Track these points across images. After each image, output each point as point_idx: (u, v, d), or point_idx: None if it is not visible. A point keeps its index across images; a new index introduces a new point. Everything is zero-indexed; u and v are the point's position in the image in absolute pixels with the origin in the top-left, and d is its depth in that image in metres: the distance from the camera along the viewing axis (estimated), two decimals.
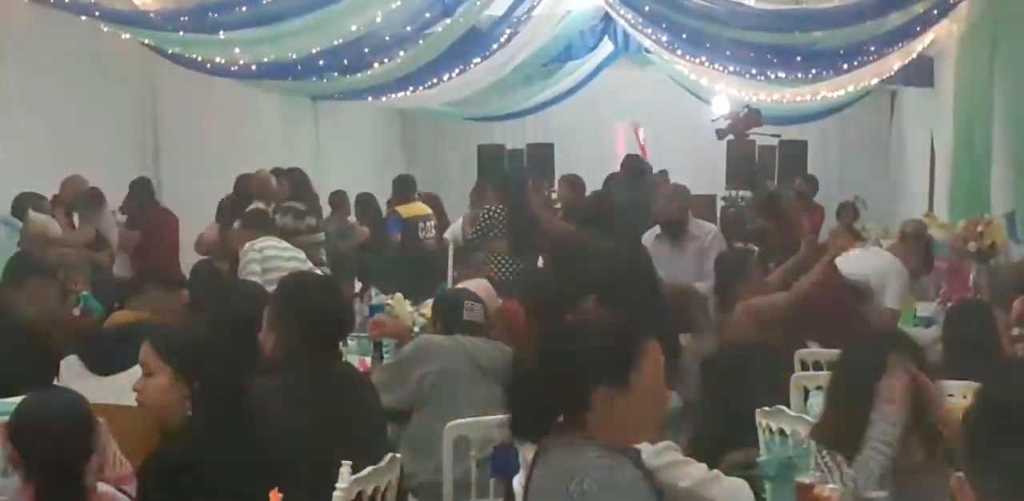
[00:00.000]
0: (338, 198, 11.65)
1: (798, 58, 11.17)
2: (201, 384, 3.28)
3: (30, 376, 4.85)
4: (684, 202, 7.91)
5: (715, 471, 3.17)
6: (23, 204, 7.97)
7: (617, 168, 11.02)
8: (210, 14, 8.55)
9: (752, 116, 13.10)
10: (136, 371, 4.01)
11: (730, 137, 13.46)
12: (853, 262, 6.84)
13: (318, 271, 7.68)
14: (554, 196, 12.30)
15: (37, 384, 4.70)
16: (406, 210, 10.89)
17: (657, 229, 7.80)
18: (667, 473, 2.99)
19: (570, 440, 2.56)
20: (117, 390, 3.76)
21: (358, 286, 8.57)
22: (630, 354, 2.59)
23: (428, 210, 11.09)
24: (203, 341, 3.46)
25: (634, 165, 10.08)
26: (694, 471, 3.11)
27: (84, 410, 3.07)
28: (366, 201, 11.73)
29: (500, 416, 4.18)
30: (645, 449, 2.89)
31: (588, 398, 2.56)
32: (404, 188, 11.23)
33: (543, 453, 2.59)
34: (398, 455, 3.74)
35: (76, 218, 8.99)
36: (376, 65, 10.82)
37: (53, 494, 2.96)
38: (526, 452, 2.95)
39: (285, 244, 7.72)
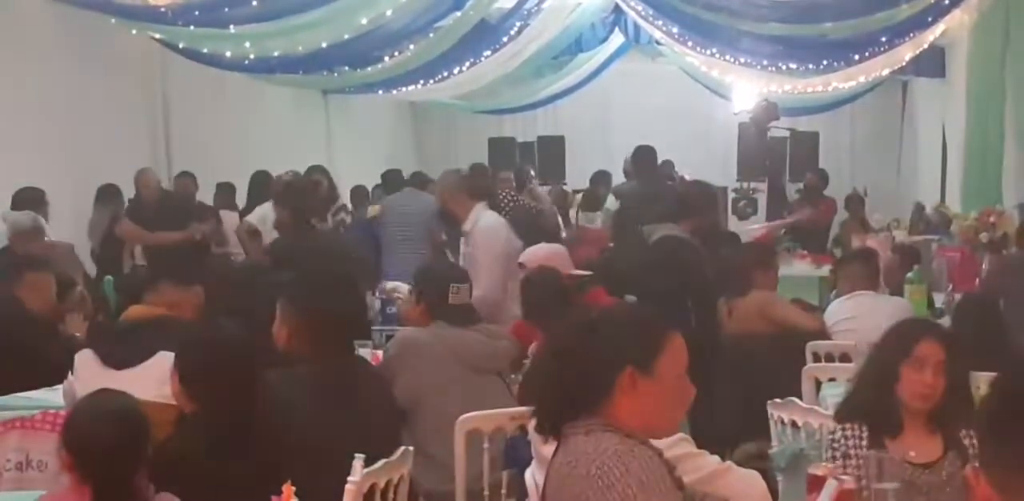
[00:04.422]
0: (359, 193, 11.75)
1: (809, 49, 11.15)
2: (202, 382, 3.31)
3: (43, 369, 4.89)
4: (445, 190, 7.14)
5: (727, 462, 3.17)
6: (24, 199, 8.00)
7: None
8: (222, 9, 8.57)
9: (771, 109, 13.11)
10: (149, 365, 4.04)
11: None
12: (869, 315, 6.28)
13: None
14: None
15: (51, 377, 4.75)
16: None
17: None
18: (681, 465, 2.99)
19: (591, 428, 2.56)
20: (131, 384, 3.77)
21: None
22: (656, 342, 2.60)
23: None
24: (204, 340, 3.48)
25: (644, 157, 9.92)
26: (707, 463, 3.12)
27: (136, 414, 3.05)
28: (362, 195, 11.78)
29: (511, 409, 4.20)
30: (657, 442, 2.90)
31: (612, 383, 2.56)
32: (389, 184, 11.37)
33: (564, 440, 2.60)
34: (410, 448, 3.75)
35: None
36: (386, 59, 10.84)
37: (107, 498, 2.94)
38: (541, 446, 2.96)
39: None
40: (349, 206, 10.70)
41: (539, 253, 6.16)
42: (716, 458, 3.17)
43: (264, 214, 8.94)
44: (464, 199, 6.89)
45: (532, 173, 12.53)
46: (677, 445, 3.06)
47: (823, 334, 6.38)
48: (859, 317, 6.24)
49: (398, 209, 9.39)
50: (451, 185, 7.09)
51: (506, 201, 9.20)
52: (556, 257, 6.07)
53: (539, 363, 2.71)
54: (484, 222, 6.75)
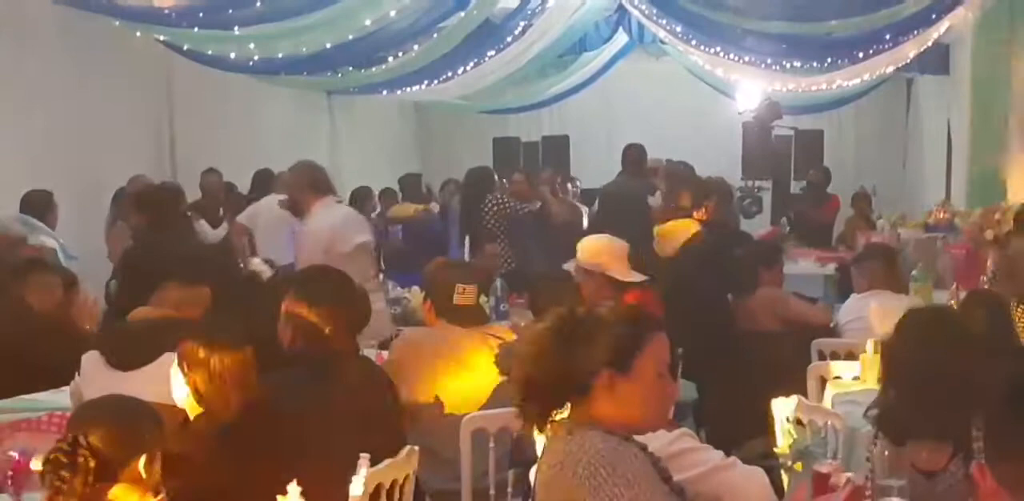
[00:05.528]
0: (363, 193, 11.78)
1: (813, 47, 11.14)
2: (204, 380, 3.32)
3: (49, 371, 4.90)
4: (296, 178, 7.12)
5: (732, 458, 3.17)
6: (33, 201, 8.01)
7: None
8: (226, 10, 8.59)
9: (774, 108, 13.12)
10: (155, 366, 4.04)
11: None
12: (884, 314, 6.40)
13: None
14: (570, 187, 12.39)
15: (57, 379, 4.75)
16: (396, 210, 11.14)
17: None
18: (684, 459, 2.99)
19: (576, 427, 2.58)
20: (138, 385, 3.77)
21: None
22: (635, 340, 2.62)
23: (408, 212, 11.21)
24: (203, 338, 3.48)
25: (629, 155, 9.98)
26: (710, 457, 3.11)
27: (138, 420, 2.97)
28: (363, 196, 11.81)
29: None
30: (662, 436, 2.91)
31: (591, 382, 2.58)
32: (407, 187, 11.47)
33: (550, 441, 2.62)
34: (416, 448, 3.75)
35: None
36: (390, 59, 10.85)
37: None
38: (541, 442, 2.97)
39: None
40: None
41: (588, 242, 5.88)
42: (720, 453, 3.17)
43: (253, 212, 8.96)
44: (308, 192, 6.89)
45: (555, 176, 12.33)
46: (679, 439, 3.07)
47: (834, 328, 6.39)
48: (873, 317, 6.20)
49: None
50: (296, 177, 7.09)
51: (491, 203, 9.34)
52: (605, 252, 5.65)
53: (521, 363, 2.72)
54: (314, 220, 6.77)
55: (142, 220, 7.12)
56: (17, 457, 3.28)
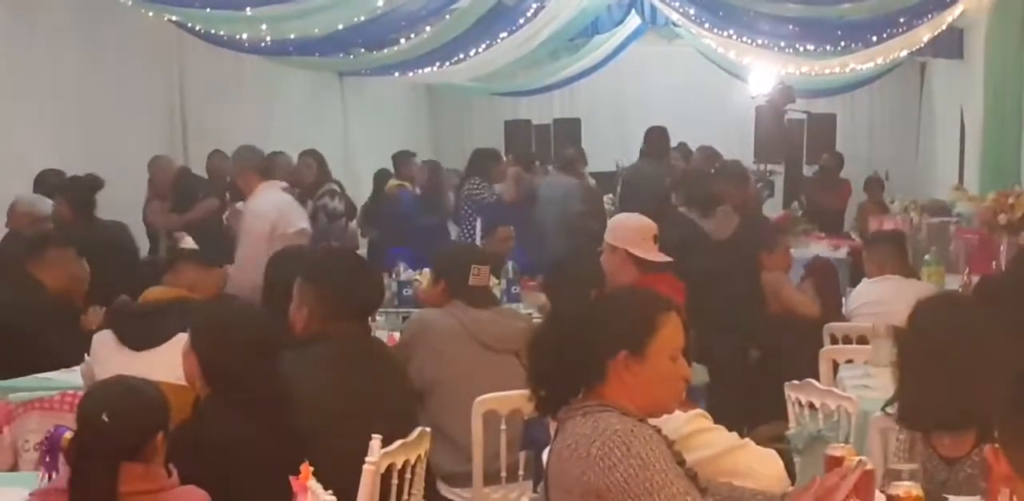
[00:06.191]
0: (383, 175, 11.79)
1: (827, 30, 11.10)
2: (213, 361, 3.32)
3: (62, 350, 4.92)
4: (236, 162, 7.23)
5: (745, 439, 3.17)
6: (45, 181, 8.02)
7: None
8: None
9: (786, 92, 13.10)
10: (169, 346, 4.05)
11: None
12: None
13: None
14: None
15: (70, 358, 4.77)
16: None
17: None
18: (697, 439, 2.99)
19: (588, 409, 2.58)
20: (150, 365, 3.79)
21: None
22: (648, 322, 2.61)
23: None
24: (218, 318, 3.48)
25: (652, 138, 9.94)
26: (722, 439, 3.11)
27: (151, 403, 2.96)
28: (384, 177, 11.79)
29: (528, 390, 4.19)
30: (676, 417, 2.91)
31: (606, 365, 2.58)
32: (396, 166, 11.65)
33: (562, 424, 2.62)
34: (427, 429, 3.76)
35: None
36: (402, 41, 10.82)
37: (81, 484, 2.84)
38: (554, 426, 2.97)
39: None
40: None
41: (617, 219, 5.86)
42: (734, 434, 3.16)
43: None
44: (252, 176, 6.95)
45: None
46: (693, 420, 3.06)
47: (821, 320, 6.37)
48: (884, 302, 6.15)
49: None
50: (241, 161, 7.15)
51: (466, 187, 9.42)
52: (630, 230, 5.52)
53: (535, 347, 2.71)
54: (259, 201, 6.79)
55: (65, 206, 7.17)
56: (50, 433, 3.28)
